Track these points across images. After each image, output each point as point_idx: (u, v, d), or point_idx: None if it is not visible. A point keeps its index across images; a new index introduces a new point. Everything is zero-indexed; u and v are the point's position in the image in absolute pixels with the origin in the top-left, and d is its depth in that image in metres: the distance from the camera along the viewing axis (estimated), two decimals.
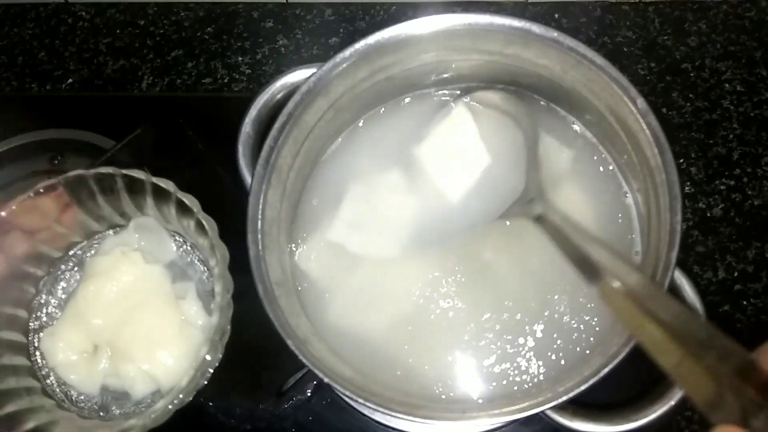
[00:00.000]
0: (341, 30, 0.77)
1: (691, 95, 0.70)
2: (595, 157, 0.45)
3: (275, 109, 0.43)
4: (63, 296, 0.43)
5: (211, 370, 0.38)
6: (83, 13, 0.79)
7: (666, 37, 0.72)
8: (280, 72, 0.77)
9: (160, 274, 0.42)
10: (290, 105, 0.40)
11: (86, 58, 0.78)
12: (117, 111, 0.71)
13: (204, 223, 0.38)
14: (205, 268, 0.43)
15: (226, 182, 0.54)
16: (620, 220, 0.44)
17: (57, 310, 0.43)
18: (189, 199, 0.39)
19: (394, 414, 0.33)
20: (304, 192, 0.47)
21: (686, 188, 0.66)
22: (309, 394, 0.48)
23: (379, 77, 0.43)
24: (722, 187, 0.66)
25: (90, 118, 0.69)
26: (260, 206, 0.38)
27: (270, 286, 0.37)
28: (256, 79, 0.76)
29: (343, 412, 0.53)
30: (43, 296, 0.43)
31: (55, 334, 0.41)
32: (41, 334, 0.42)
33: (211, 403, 0.55)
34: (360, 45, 0.41)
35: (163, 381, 0.41)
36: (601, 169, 0.45)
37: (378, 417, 0.51)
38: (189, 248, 0.43)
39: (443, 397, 0.39)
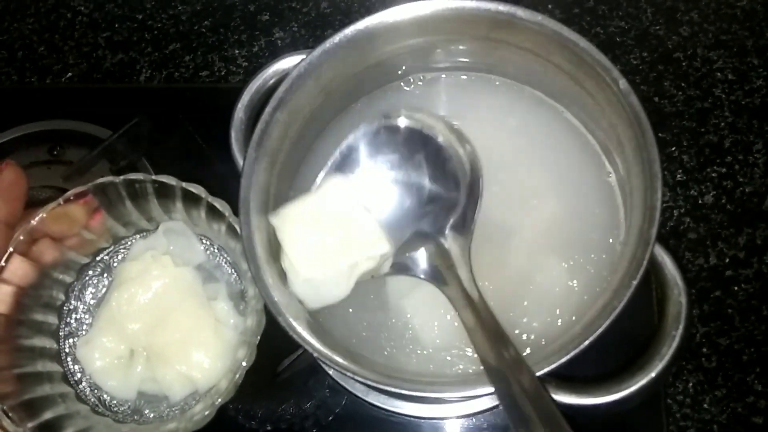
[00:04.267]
0: (337, 23, 0.78)
1: (683, 84, 0.70)
2: (579, 140, 0.45)
3: (267, 95, 0.44)
4: (92, 302, 0.43)
5: (246, 367, 0.38)
6: (82, 8, 0.80)
7: (658, 27, 0.73)
8: None
9: (190, 276, 0.42)
10: (281, 90, 0.41)
11: (85, 52, 0.79)
12: (115, 102, 0.72)
13: (236, 226, 0.39)
14: (233, 270, 0.43)
15: (221, 170, 0.54)
16: (605, 201, 0.45)
17: (86, 316, 0.43)
18: (220, 204, 0.39)
19: (382, 386, 0.34)
20: (297, 177, 0.47)
21: (678, 176, 0.67)
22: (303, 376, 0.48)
23: (369, 62, 0.44)
24: (714, 175, 0.67)
25: (88, 109, 0.70)
26: (251, 188, 0.39)
27: (259, 264, 0.37)
28: (252, 72, 0.76)
29: (337, 395, 0.54)
30: (72, 302, 0.43)
31: (91, 341, 0.41)
32: (73, 340, 0.42)
33: None
34: (349, 30, 0.42)
35: (201, 382, 0.41)
36: (585, 151, 0.46)
37: (371, 398, 0.52)
38: (216, 251, 0.44)
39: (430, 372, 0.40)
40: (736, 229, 0.65)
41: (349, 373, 0.34)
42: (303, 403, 0.53)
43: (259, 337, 0.38)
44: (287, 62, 0.44)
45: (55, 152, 0.63)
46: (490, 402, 0.52)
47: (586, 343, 0.34)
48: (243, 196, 0.39)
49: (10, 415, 0.34)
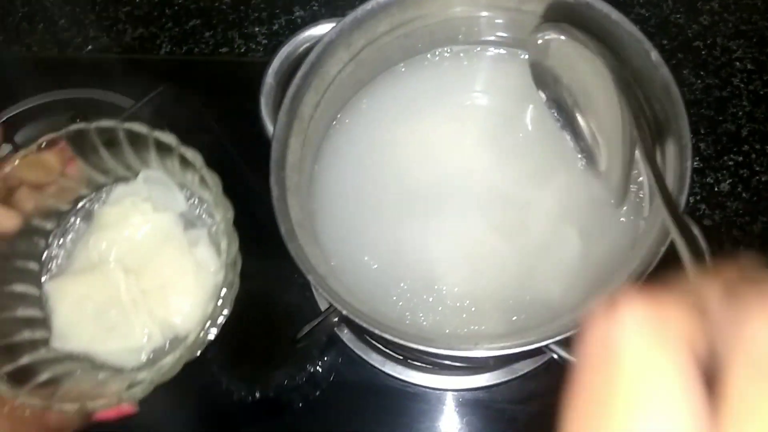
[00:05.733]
0: (356, 2, 0.78)
1: (702, 73, 0.70)
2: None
3: (297, 61, 0.44)
4: (72, 248, 0.43)
5: (221, 323, 0.37)
6: None
7: (678, 16, 0.73)
8: None
9: (171, 222, 0.42)
10: (312, 55, 0.42)
11: (106, 26, 0.79)
12: (138, 73, 0.73)
13: (206, 178, 0.38)
14: (213, 220, 0.43)
15: (244, 142, 0.55)
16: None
17: (67, 262, 0.43)
18: (191, 154, 0.39)
19: (410, 344, 0.34)
20: (322, 147, 0.48)
21: (695, 163, 0.67)
22: (323, 342, 0.49)
23: (399, 32, 0.45)
24: (730, 163, 0.67)
25: (110, 79, 0.71)
26: (283, 151, 0.40)
27: (291, 226, 0.38)
28: (272, 50, 0.76)
29: (353, 364, 0.55)
30: (54, 249, 0.43)
31: (66, 285, 0.40)
32: (52, 285, 0.42)
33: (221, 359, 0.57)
34: None
35: (181, 328, 0.40)
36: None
37: (388, 369, 0.53)
38: (196, 202, 0.44)
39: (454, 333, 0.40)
40: (751, 218, 0.65)
41: (377, 329, 0.35)
42: (316, 369, 0.54)
43: (234, 292, 0.38)
44: (319, 29, 0.44)
45: (78, 120, 0.63)
46: (495, 379, 0.53)
47: None
48: (274, 158, 0.39)
49: None
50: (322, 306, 0.56)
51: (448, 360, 0.47)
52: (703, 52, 0.71)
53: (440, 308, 0.42)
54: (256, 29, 0.78)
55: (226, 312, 0.37)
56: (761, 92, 0.69)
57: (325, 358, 0.55)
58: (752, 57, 0.71)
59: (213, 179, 0.38)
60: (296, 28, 0.77)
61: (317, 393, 0.56)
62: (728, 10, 0.73)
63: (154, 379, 0.36)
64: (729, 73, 0.70)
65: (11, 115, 0.68)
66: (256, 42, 0.77)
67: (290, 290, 0.58)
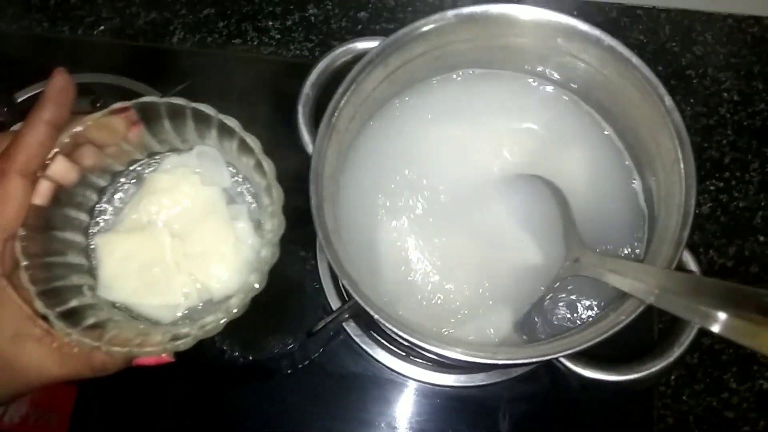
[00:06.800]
0: (370, 4, 0.80)
1: (692, 100, 0.75)
2: (611, 149, 0.50)
3: (334, 74, 0.47)
4: (120, 206, 0.46)
5: (258, 291, 0.40)
6: None
7: (674, 44, 0.77)
8: (308, 40, 0.80)
9: (216, 196, 0.44)
10: (353, 72, 0.44)
11: (119, 7, 0.80)
12: (153, 61, 0.74)
13: (263, 164, 0.41)
14: (253, 200, 0.46)
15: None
16: (627, 204, 0.49)
17: (114, 218, 0.46)
18: (251, 140, 0.42)
19: (432, 347, 0.38)
20: (351, 150, 0.51)
21: None
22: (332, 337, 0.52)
23: (434, 54, 0.48)
24: (712, 188, 0.72)
25: (129, 66, 0.72)
26: (321, 161, 0.43)
27: (327, 233, 0.41)
28: (284, 45, 0.79)
29: (358, 358, 0.59)
30: (104, 204, 0.46)
31: (115, 241, 0.43)
32: (102, 239, 0.44)
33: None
34: (422, 24, 0.45)
35: (217, 292, 0.43)
36: (615, 158, 0.50)
37: (397, 366, 0.57)
38: (240, 180, 0.46)
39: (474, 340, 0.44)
40: (727, 240, 0.70)
41: (407, 335, 0.38)
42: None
43: (269, 267, 0.41)
44: (356, 46, 0.47)
45: (98, 105, 0.65)
46: (489, 379, 0.58)
47: (616, 329, 0.38)
48: (314, 168, 0.42)
49: (41, 299, 0.37)
50: (333, 303, 0.59)
51: (463, 363, 0.51)
52: (694, 81, 0.76)
53: (459, 316, 0.45)
54: (270, 23, 0.79)
55: (264, 284, 0.40)
56: (745, 123, 0.74)
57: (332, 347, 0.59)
58: (739, 89, 0.76)
59: (269, 165, 0.41)
60: (309, 25, 0.79)
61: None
62: (720, 43, 0.77)
63: (197, 335, 0.39)
64: (717, 103, 0.75)
65: (29, 95, 0.69)
66: (269, 36, 0.79)
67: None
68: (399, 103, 0.51)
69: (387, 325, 0.38)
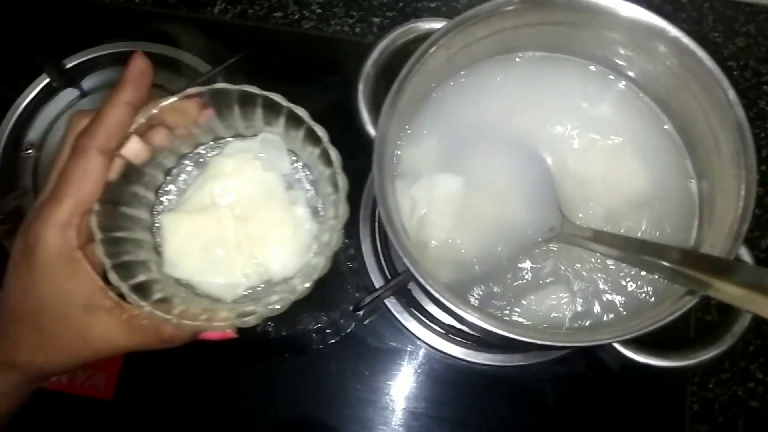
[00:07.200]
0: None
1: None
2: (668, 141, 0.51)
3: (394, 54, 0.47)
4: (183, 187, 0.47)
5: (321, 273, 0.42)
6: None
7: (717, 35, 0.77)
8: (349, 15, 0.80)
9: (277, 181, 0.46)
10: (417, 53, 0.45)
11: None
12: (197, 32, 0.74)
13: (330, 153, 0.42)
14: (311, 187, 0.47)
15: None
16: (681, 194, 0.50)
17: (177, 198, 0.47)
18: (320, 129, 0.43)
19: (491, 328, 0.39)
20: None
21: None
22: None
23: (491, 37, 0.48)
24: None
25: (170, 35, 0.72)
26: (384, 141, 0.43)
27: (390, 213, 0.42)
28: (325, 20, 0.79)
29: (398, 333, 0.60)
30: (169, 185, 0.47)
31: (181, 220, 0.45)
32: (167, 217, 0.45)
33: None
34: (485, 7, 0.46)
35: (276, 273, 0.45)
36: (671, 149, 0.51)
37: (436, 343, 0.58)
38: (300, 168, 0.47)
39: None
40: (761, 233, 0.71)
41: (467, 314, 0.39)
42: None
43: (333, 252, 0.42)
44: (419, 26, 0.47)
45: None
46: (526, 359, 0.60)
47: (671, 318, 0.39)
48: (378, 149, 0.43)
49: (115, 271, 0.39)
50: (376, 281, 0.60)
51: (499, 342, 0.52)
52: (735, 73, 0.76)
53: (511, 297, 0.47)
54: None
55: (328, 267, 0.41)
56: None
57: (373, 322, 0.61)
58: None
59: (336, 154, 0.42)
60: (351, 2, 0.79)
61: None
62: (763, 35, 0.77)
63: (263, 313, 0.40)
64: (756, 95, 0.75)
65: (77, 62, 0.69)
66: (310, 10, 0.79)
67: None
68: (456, 81, 0.51)
69: (447, 304, 0.39)
